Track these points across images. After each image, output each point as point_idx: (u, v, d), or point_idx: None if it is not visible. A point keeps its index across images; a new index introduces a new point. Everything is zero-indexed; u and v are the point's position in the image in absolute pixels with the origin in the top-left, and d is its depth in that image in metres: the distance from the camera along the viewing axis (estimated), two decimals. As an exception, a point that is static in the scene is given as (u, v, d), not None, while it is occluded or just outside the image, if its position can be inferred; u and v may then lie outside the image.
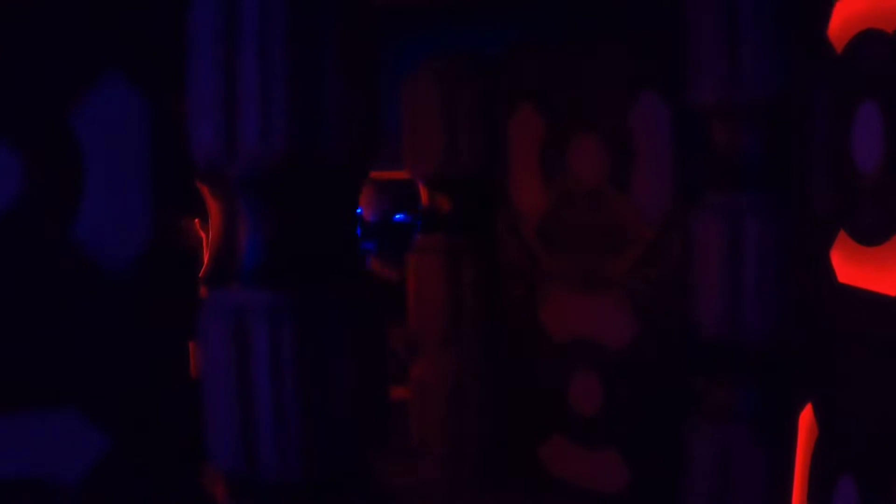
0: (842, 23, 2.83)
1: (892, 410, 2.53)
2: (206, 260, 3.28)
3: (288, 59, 2.81)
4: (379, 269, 8.09)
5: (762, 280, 3.84)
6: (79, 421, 3.08)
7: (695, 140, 4.25)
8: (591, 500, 4.98)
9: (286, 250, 2.97)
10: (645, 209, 4.68)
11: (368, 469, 3.15)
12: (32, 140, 3.01)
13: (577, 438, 5.08)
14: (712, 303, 3.97)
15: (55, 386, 3.08)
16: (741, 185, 3.94)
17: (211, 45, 2.85)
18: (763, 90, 3.79)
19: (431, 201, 5.61)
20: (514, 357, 5.42)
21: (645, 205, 4.68)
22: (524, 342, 5.34)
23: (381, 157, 3.24)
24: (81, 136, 3.03)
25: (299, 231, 2.99)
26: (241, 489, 3.04)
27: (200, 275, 3.22)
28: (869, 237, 2.63)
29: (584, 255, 5.00)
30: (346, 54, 2.92)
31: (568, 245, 5.09)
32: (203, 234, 3.43)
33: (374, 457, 3.17)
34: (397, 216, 8.87)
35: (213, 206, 3.11)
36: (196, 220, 3.41)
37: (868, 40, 2.66)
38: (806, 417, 3.15)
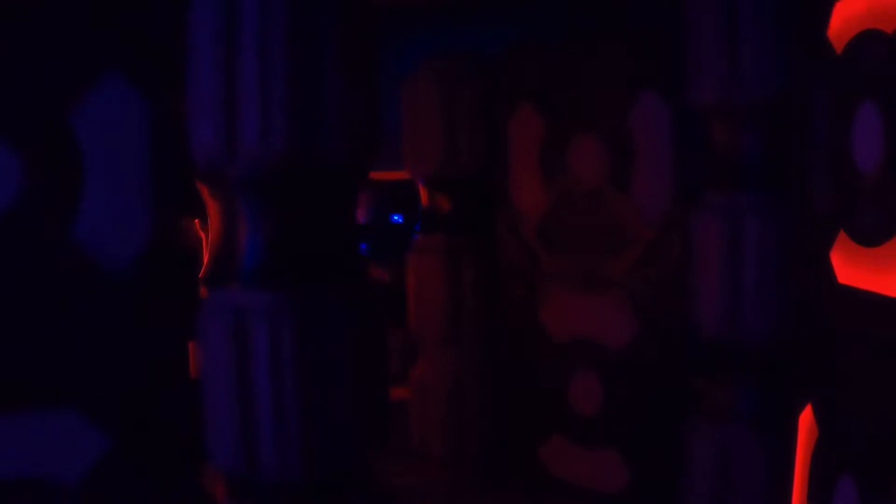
0: (842, 23, 2.83)
1: (892, 410, 2.53)
2: (205, 260, 3.28)
3: (288, 59, 2.81)
4: (371, 272, 8.07)
5: (762, 280, 3.83)
6: (79, 421, 3.08)
7: (695, 140, 4.25)
8: (591, 500, 4.98)
9: (286, 250, 2.97)
10: (645, 209, 4.68)
11: (368, 469, 3.15)
12: (32, 140, 3.01)
13: (577, 438, 5.08)
14: (712, 303, 3.97)
15: (55, 386, 3.08)
16: (741, 186, 3.94)
17: (211, 46, 2.85)
18: (763, 90, 3.79)
19: (431, 201, 5.61)
20: (514, 357, 5.41)
21: (645, 205, 4.68)
22: (524, 342, 5.33)
23: (381, 157, 3.24)
24: (81, 136, 3.03)
25: (299, 231, 2.99)
26: (241, 489, 3.04)
27: (200, 275, 3.22)
28: (869, 238, 2.63)
29: (584, 255, 5.00)
30: (346, 54, 2.93)
31: (568, 245, 5.09)
32: (203, 234, 3.44)
33: (374, 457, 3.18)
34: (394, 217, 8.86)
35: (213, 207, 3.11)
36: (196, 220, 3.41)
37: (868, 41, 2.66)
38: (806, 417, 3.15)
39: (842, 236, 2.82)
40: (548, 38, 5.45)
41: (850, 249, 2.76)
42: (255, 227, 2.96)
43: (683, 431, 4.20)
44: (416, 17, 6.08)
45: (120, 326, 3.13)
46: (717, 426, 4.04)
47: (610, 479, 4.90)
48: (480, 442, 5.48)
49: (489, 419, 5.48)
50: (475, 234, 5.48)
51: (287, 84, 2.81)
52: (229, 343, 2.89)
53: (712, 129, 4.06)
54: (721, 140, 4.02)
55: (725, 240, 3.90)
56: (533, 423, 5.31)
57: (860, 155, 2.70)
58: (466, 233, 5.48)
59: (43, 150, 3.02)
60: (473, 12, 6.04)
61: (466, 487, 5.39)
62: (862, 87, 2.70)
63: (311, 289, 2.96)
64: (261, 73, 2.80)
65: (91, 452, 3.09)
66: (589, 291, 4.98)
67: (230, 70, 2.83)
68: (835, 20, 2.87)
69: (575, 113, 4.98)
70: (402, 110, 5.52)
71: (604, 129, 4.83)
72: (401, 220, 8.80)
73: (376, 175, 3.34)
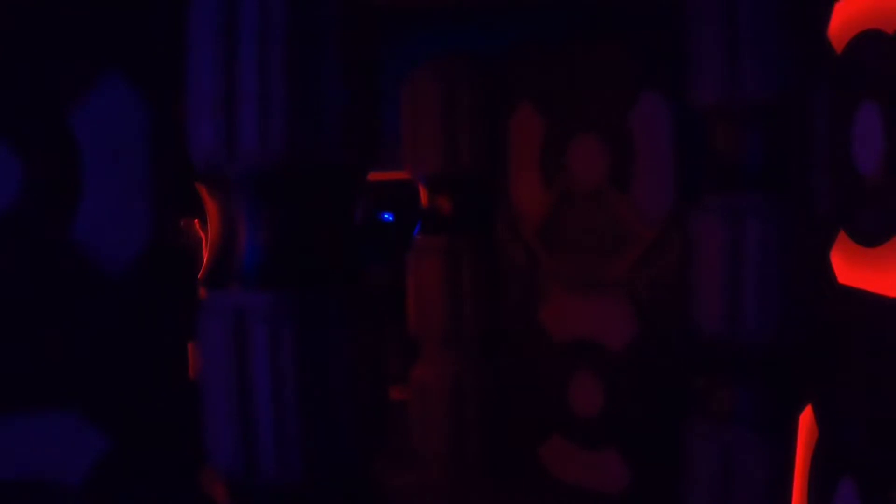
0: (842, 23, 2.82)
1: (892, 411, 2.53)
2: (205, 260, 3.27)
3: (287, 59, 2.81)
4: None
5: (762, 280, 3.83)
6: (79, 422, 3.08)
7: (695, 140, 4.25)
8: (592, 501, 4.98)
9: (286, 251, 2.97)
10: (645, 209, 4.68)
11: (368, 469, 3.15)
12: (32, 140, 3.01)
13: (577, 439, 5.08)
14: (712, 303, 3.97)
15: (55, 387, 3.08)
16: (741, 186, 3.94)
17: (210, 46, 2.85)
18: (763, 90, 3.79)
19: (431, 201, 5.61)
20: (514, 357, 5.41)
21: (645, 205, 4.68)
22: (524, 342, 5.33)
23: (381, 157, 3.24)
24: (81, 136, 3.03)
25: (299, 231, 2.99)
26: (240, 490, 3.04)
27: (200, 275, 3.22)
28: (869, 238, 2.63)
29: (585, 255, 5.00)
30: (346, 54, 2.92)
31: (568, 245, 5.08)
32: (203, 234, 3.43)
33: (374, 457, 3.17)
34: (384, 215, 8.83)
35: (212, 207, 3.11)
36: (196, 220, 3.41)
37: (868, 41, 2.66)
38: (806, 418, 3.15)
39: (842, 236, 2.82)
40: (548, 38, 5.45)
41: (850, 249, 2.76)
42: (255, 227, 2.95)
43: (683, 431, 4.19)
44: (416, 17, 6.08)
45: (119, 327, 3.13)
46: (718, 426, 4.04)
47: (610, 479, 4.90)
48: (480, 442, 5.47)
49: (489, 419, 5.48)
50: (475, 234, 5.48)
51: (286, 84, 2.81)
52: (229, 343, 2.89)
53: (712, 130, 4.06)
54: (721, 140, 4.02)
55: (726, 240, 3.90)
56: (533, 424, 5.31)
57: (860, 155, 2.70)
58: (466, 233, 5.48)
59: (42, 150, 3.02)
60: (473, 12, 6.04)
61: (466, 487, 5.39)
62: (862, 87, 2.70)
63: (311, 289, 2.96)
64: (260, 73, 2.80)
65: (91, 453, 3.09)
66: (589, 291, 4.98)
67: (230, 70, 2.82)
68: (835, 20, 2.86)
69: (575, 113, 4.98)
70: (402, 110, 5.52)
71: (604, 129, 4.83)
72: (391, 219, 8.79)
73: (371, 175, 3.33)
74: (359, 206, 3.26)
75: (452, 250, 5.43)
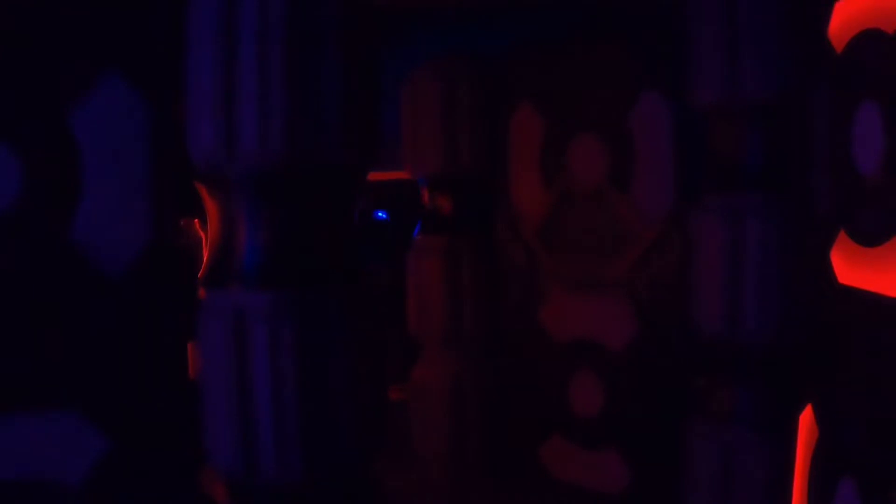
0: (842, 23, 2.82)
1: (893, 411, 2.53)
2: (205, 260, 3.27)
3: (287, 59, 2.81)
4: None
5: (762, 280, 3.83)
6: (79, 422, 3.07)
7: (695, 140, 4.25)
8: (592, 501, 4.98)
9: (285, 251, 2.97)
10: (645, 209, 4.68)
11: (368, 469, 3.15)
12: (32, 141, 3.01)
13: (577, 439, 5.08)
14: (713, 303, 3.96)
15: (55, 387, 3.08)
16: (741, 186, 3.94)
17: (210, 46, 2.85)
18: (763, 90, 3.79)
19: (432, 201, 5.61)
20: (514, 357, 5.41)
21: (645, 205, 4.68)
22: (524, 342, 5.33)
23: (381, 157, 3.24)
24: (81, 136, 3.03)
25: (299, 231, 2.99)
26: (240, 490, 3.04)
27: (199, 275, 3.22)
28: (869, 238, 2.63)
29: (585, 255, 5.00)
30: (346, 54, 2.92)
31: (568, 245, 5.08)
32: (203, 234, 3.43)
33: (374, 457, 3.17)
34: (378, 213, 8.82)
35: (212, 207, 3.11)
36: (196, 220, 3.41)
37: (868, 40, 2.66)
38: (806, 418, 3.15)
39: (842, 236, 2.82)
40: (548, 38, 5.44)
41: (850, 249, 2.76)
42: (255, 227, 2.95)
43: (683, 431, 4.19)
44: (416, 17, 6.07)
45: (119, 327, 3.13)
46: (718, 426, 4.04)
47: (610, 479, 4.90)
48: (480, 442, 5.47)
49: (489, 419, 5.48)
50: (475, 234, 5.48)
51: (286, 84, 2.81)
52: (229, 344, 2.89)
53: (712, 129, 4.06)
54: (721, 140, 4.02)
55: (726, 240, 3.90)
56: (533, 424, 5.31)
57: (860, 154, 2.70)
58: (466, 233, 5.48)
59: (42, 151, 3.02)
60: (473, 12, 6.03)
61: (466, 487, 5.39)
62: (862, 86, 2.70)
63: (311, 289, 2.96)
64: (260, 73, 2.80)
65: (91, 453, 3.09)
66: (589, 291, 4.98)
67: (229, 70, 2.82)
68: (835, 20, 2.86)
69: (575, 113, 4.98)
70: (402, 110, 5.52)
71: (604, 129, 4.82)
72: (385, 217, 8.79)
73: (378, 175, 3.33)
74: (359, 206, 3.25)
75: (452, 250, 5.43)
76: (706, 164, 4.11)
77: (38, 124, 3.02)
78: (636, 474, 4.80)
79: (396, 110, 5.49)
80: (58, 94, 3.03)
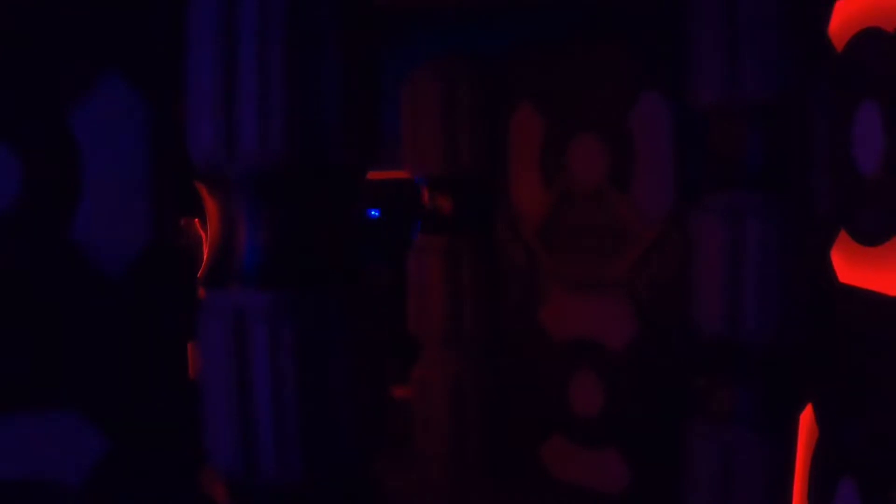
0: (842, 21, 2.82)
1: (892, 410, 2.53)
2: (205, 260, 3.27)
3: (287, 59, 2.81)
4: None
5: (762, 280, 3.83)
6: (79, 422, 3.07)
7: (695, 140, 4.25)
8: (592, 500, 4.98)
9: (285, 251, 2.97)
10: (645, 209, 4.68)
11: (368, 469, 3.15)
12: (32, 141, 3.01)
13: (577, 438, 5.08)
14: (713, 303, 3.96)
15: (55, 387, 3.07)
16: (741, 186, 3.94)
17: (210, 46, 2.85)
18: (763, 90, 3.79)
19: (432, 201, 5.61)
20: (514, 357, 5.41)
21: (645, 205, 4.68)
22: (524, 342, 5.33)
23: (381, 157, 3.24)
24: (81, 136, 3.03)
25: (298, 231, 2.99)
26: (240, 490, 3.03)
27: (199, 275, 3.22)
28: (869, 237, 2.63)
29: (585, 255, 5.00)
30: (346, 55, 2.92)
31: (568, 245, 5.08)
32: (203, 234, 3.43)
33: (374, 457, 3.17)
34: (370, 212, 8.80)
35: (212, 207, 3.11)
36: (196, 220, 3.41)
37: (868, 39, 2.66)
38: (806, 418, 3.15)
39: (842, 235, 2.82)
40: (548, 38, 5.45)
41: (850, 249, 2.76)
42: (255, 227, 2.95)
43: (683, 431, 4.19)
44: (416, 17, 6.07)
45: (119, 327, 3.13)
46: (718, 426, 4.03)
47: (610, 479, 4.90)
48: (480, 442, 5.47)
49: (489, 419, 5.48)
50: (475, 234, 5.48)
51: (286, 84, 2.81)
52: (228, 343, 2.89)
53: (712, 129, 4.06)
54: (721, 140, 4.02)
55: (726, 240, 3.90)
56: (533, 423, 5.31)
57: (860, 153, 2.70)
58: (466, 233, 5.48)
59: (42, 150, 3.02)
60: (473, 12, 6.03)
61: (466, 487, 5.39)
62: (862, 85, 2.70)
63: (311, 289, 2.96)
64: (259, 73, 2.80)
65: (91, 453, 3.09)
66: (589, 291, 4.98)
67: (229, 70, 2.82)
68: (835, 18, 2.86)
69: (575, 113, 4.98)
70: (402, 110, 5.52)
71: (604, 129, 4.83)
72: (378, 215, 8.78)
73: (377, 174, 3.33)
74: (359, 206, 3.25)
75: (452, 250, 5.43)
76: (706, 164, 4.11)
77: (38, 124, 3.02)
78: (636, 474, 4.80)
79: (396, 110, 5.49)
80: (58, 94, 3.02)
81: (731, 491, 3.95)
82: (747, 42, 3.78)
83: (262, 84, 2.80)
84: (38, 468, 3.06)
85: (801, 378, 3.42)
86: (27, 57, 3.01)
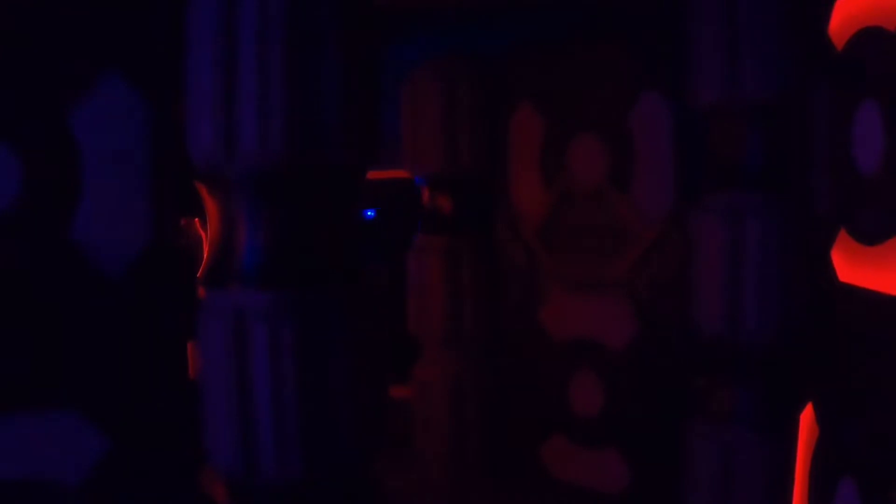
0: (842, 21, 2.82)
1: (893, 410, 2.53)
2: (205, 260, 3.27)
3: (287, 59, 2.80)
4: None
5: (763, 280, 3.83)
6: (79, 422, 3.07)
7: (695, 140, 4.25)
8: (592, 500, 4.98)
9: (285, 251, 2.97)
10: (645, 209, 4.68)
11: (368, 469, 3.15)
12: (32, 141, 3.01)
13: (577, 438, 5.08)
14: (713, 303, 3.97)
15: (55, 387, 3.07)
16: (741, 186, 3.94)
17: (210, 46, 2.85)
18: (763, 90, 3.79)
19: (432, 201, 5.61)
20: (514, 357, 5.41)
21: (645, 205, 4.68)
22: (524, 342, 5.33)
23: (380, 157, 3.24)
24: (81, 136, 3.03)
25: (298, 231, 2.99)
26: (240, 490, 3.03)
27: (199, 275, 3.22)
28: (870, 236, 2.63)
29: (585, 255, 5.00)
30: (346, 54, 2.92)
31: (568, 245, 5.08)
32: (203, 234, 3.43)
33: (374, 457, 3.17)
34: (366, 212, 8.79)
35: (212, 207, 3.11)
36: (196, 220, 3.41)
37: (869, 38, 2.66)
38: (806, 417, 3.15)
39: (842, 235, 2.82)
40: (548, 38, 5.45)
41: (850, 248, 2.76)
42: (255, 227, 2.95)
43: (683, 431, 4.19)
44: (416, 17, 6.07)
45: (119, 327, 3.13)
46: (718, 426, 4.04)
47: (610, 479, 4.90)
48: (480, 442, 5.47)
49: (489, 419, 5.48)
50: (475, 234, 5.48)
51: (286, 84, 2.81)
52: (228, 343, 2.89)
53: (712, 129, 4.06)
54: (721, 140, 4.02)
55: (726, 240, 3.90)
56: (533, 423, 5.31)
57: (861, 153, 2.70)
58: (466, 233, 5.48)
59: (42, 151, 3.02)
60: (473, 12, 6.03)
61: (466, 487, 5.39)
62: (862, 84, 2.70)
63: (311, 289, 2.96)
64: (259, 73, 2.80)
65: (91, 453, 3.09)
66: (589, 291, 4.98)
67: (229, 70, 2.82)
68: (835, 18, 2.86)
69: (575, 113, 4.98)
70: (402, 110, 5.52)
71: (604, 129, 4.83)
72: (373, 215, 8.77)
73: (377, 174, 3.33)
74: (358, 206, 3.25)
75: (452, 250, 5.43)
76: (706, 164, 4.11)
77: (38, 124, 3.02)
78: (636, 474, 4.80)
79: (396, 110, 5.49)
80: (58, 94, 3.03)
81: (731, 491, 3.95)
82: (747, 42, 3.78)
83: (262, 84, 2.80)
84: (38, 468, 3.06)
85: (801, 378, 3.42)
86: (27, 57, 3.01)
